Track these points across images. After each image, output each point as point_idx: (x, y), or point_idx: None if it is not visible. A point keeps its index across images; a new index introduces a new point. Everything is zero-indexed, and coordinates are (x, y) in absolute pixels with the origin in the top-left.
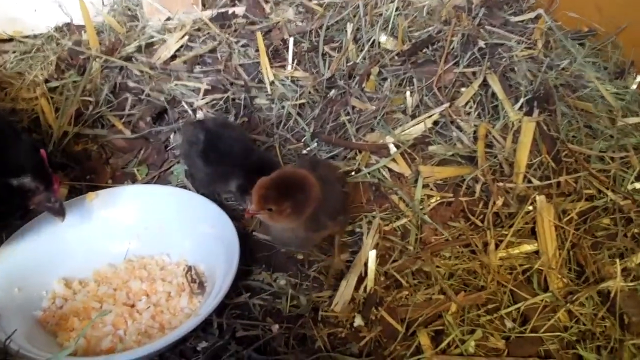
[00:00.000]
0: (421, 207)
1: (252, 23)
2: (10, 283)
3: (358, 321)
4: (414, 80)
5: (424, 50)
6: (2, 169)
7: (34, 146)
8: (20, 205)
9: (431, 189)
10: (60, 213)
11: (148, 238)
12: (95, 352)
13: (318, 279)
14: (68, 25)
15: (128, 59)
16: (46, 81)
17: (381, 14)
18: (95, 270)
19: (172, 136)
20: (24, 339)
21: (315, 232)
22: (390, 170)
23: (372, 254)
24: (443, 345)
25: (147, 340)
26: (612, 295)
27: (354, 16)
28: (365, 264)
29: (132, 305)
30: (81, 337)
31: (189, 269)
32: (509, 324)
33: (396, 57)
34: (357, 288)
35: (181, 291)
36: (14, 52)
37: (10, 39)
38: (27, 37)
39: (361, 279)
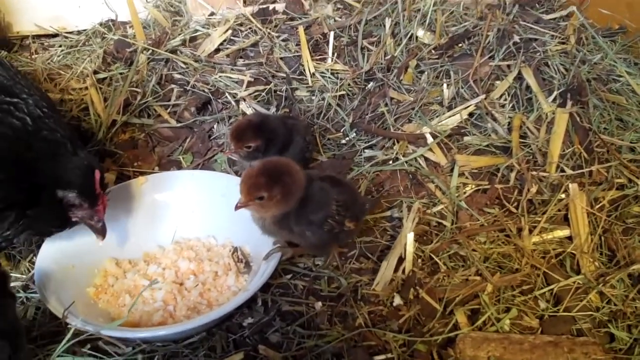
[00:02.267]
0: (457, 194)
1: (292, 19)
2: (66, 260)
3: (397, 300)
4: (451, 73)
5: (460, 44)
6: (52, 179)
7: (89, 165)
8: (61, 216)
9: (466, 178)
10: (101, 233)
11: (195, 221)
12: (147, 325)
13: (357, 261)
14: (113, 21)
15: (173, 51)
16: (95, 72)
17: (419, 10)
18: (144, 251)
19: (215, 126)
20: (79, 311)
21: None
22: (426, 159)
23: (411, 237)
24: (479, 322)
25: (196, 316)
26: None
27: (392, 11)
28: (404, 247)
29: (181, 284)
30: (132, 308)
31: (235, 249)
32: (542, 304)
33: (433, 51)
34: (396, 270)
35: (228, 270)
36: (60, 46)
37: (56, 35)
38: (71, 32)
39: (400, 261)
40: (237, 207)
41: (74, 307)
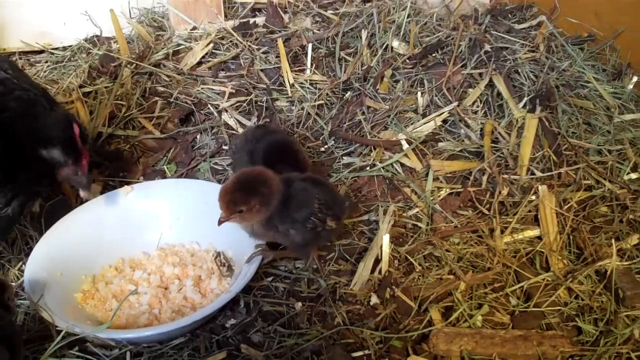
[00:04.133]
0: (432, 197)
1: (272, 32)
2: (53, 267)
3: (374, 299)
4: (425, 81)
5: (433, 54)
6: (33, 140)
7: (67, 119)
8: (48, 175)
9: (441, 182)
10: (86, 187)
11: (179, 228)
12: (133, 328)
13: (336, 264)
14: (97, 36)
15: (157, 65)
16: (80, 87)
17: (394, 21)
18: (130, 257)
19: (198, 136)
20: (67, 316)
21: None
22: (402, 165)
23: (386, 239)
24: (452, 319)
25: (180, 318)
26: (608, 273)
27: (368, 23)
28: (381, 249)
29: (166, 288)
30: (116, 312)
31: (218, 254)
32: (513, 300)
33: (408, 61)
34: (372, 270)
35: (211, 274)
36: (46, 62)
37: (42, 51)
38: (56, 48)
39: (376, 262)
40: (219, 222)
41: (63, 312)
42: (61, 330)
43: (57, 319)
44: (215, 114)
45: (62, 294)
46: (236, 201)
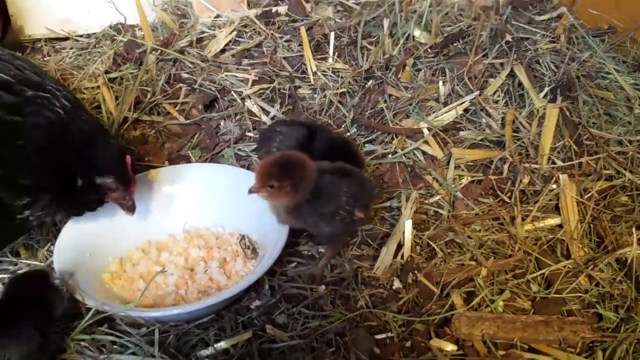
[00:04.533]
0: (453, 185)
1: (294, 21)
2: (82, 248)
3: (397, 284)
4: (446, 70)
5: (455, 44)
6: (90, 168)
7: (122, 152)
8: (98, 199)
9: (462, 170)
10: (131, 210)
11: (204, 212)
12: (160, 308)
13: (359, 248)
14: (121, 24)
15: (181, 52)
16: (106, 72)
17: (415, 11)
18: (156, 240)
19: (222, 123)
20: (96, 296)
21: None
22: (424, 153)
23: (409, 224)
24: (474, 303)
25: (205, 299)
26: (629, 261)
27: (390, 13)
28: (403, 234)
29: (192, 269)
30: (145, 291)
31: (243, 237)
32: (534, 287)
33: (429, 50)
34: (395, 255)
35: (236, 257)
36: (71, 48)
37: (67, 38)
38: (81, 35)
39: (398, 248)
40: (250, 192)
41: (92, 291)
42: (90, 308)
43: (86, 297)
44: (239, 100)
45: (91, 274)
46: (270, 175)
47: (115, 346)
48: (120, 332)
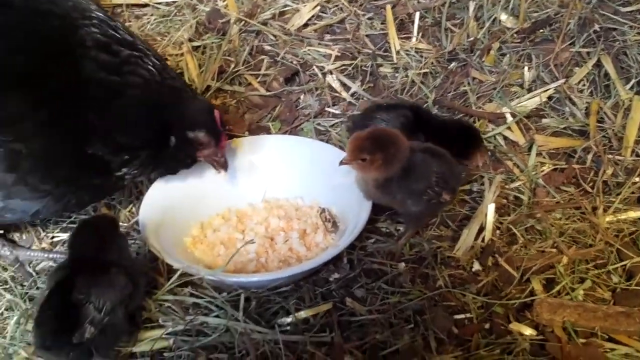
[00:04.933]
0: (534, 172)
1: None
2: (165, 212)
3: (476, 266)
4: (532, 56)
5: (542, 30)
6: (181, 123)
7: (210, 107)
8: (191, 155)
9: (543, 157)
10: (224, 166)
11: (284, 183)
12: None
13: (437, 229)
14: None
15: (264, 24)
16: (189, 40)
17: None
18: (236, 208)
19: (302, 97)
20: (180, 257)
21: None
22: (505, 138)
23: (492, 207)
24: (554, 291)
25: (286, 268)
26: None
27: None
28: (485, 217)
29: (272, 239)
30: (232, 258)
31: (323, 210)
32: (615, 278)
33: (515, 35)
34: (475, 238)
35: (316, 229)
36: (152, 15)
37: (146, 5)
38: (160, 3)
39: (480, 230)
40: (341, 163)
41: (175, 253)
42: (172, 270)
43: (171, 260)
44: (320, 75)
45: (173, 237)
46: (363, 148)
47: (200, 307)
48: (202, 296)
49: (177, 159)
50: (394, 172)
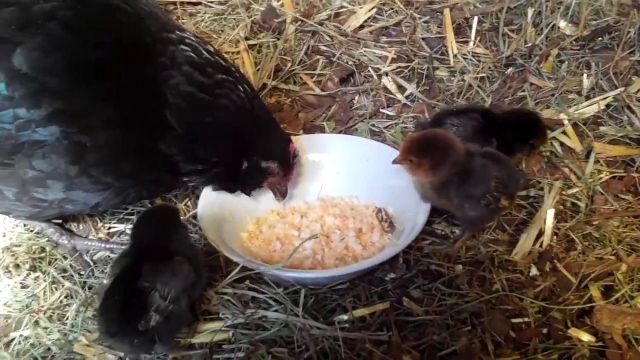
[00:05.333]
0: (592, 179)
1: (432, 2)
2: (223, 206)
3: (534, 271)
4: (591, 64)
5: (601, 38)
6: (259, 152)
7: (287, 139)
8: (258, 181)
9: (600, 165)
10: (283, 196)
11: (339, 181)
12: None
13: (494, 233)
14: None
15: (320, 24)
16: (246, 38)
17: (561, 1)
18: (292, 205)
19: (356, 97)
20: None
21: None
22: (562, 144)
23: (551, 213)
24: (613, 299)
25: (342, 266)
26: None
27: (535, 2)
28: (544, 222)
29: (327, 236)
30: (293, 254)
31: (379, 210)
32: None
33: (574, 42)
34: (533, 243)
35: (372, 228)
36: (205, 13)
37: (199, 3)
38: (212, 1)
39: (537, 236)
40: (394, 162)
41: (235, 247)
42: (231, 263)
43: (231, 254)
44: (375, 77)
45: (230, 232)
46: (410, 150)
47: (258, 301)
48: (261, 291)
49: (244, 182)
50: (444, 176)
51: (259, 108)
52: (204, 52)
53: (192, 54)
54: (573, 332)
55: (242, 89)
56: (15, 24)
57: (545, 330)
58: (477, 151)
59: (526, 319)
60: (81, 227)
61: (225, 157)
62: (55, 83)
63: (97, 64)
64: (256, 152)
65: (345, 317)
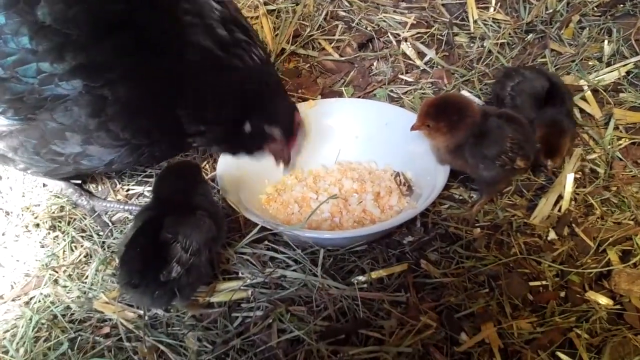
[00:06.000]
0: (610, 145)
1: None
2: (241, 170)
3: (552, 235)
4: (613, 30)
5: (623, 4)
6: (263, 116)
7: (294, 107)
8: (259, 145)
9: (620, 131)
10: (287, 163)
11: (357, 146)
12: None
13: (512, 198)
14: None
15: None
16: (264, 4)
17: None
18: (309, 169)
19: (375, 63)
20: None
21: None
22: (581, 110)
23: (571, 177)
24: (630, 263)
25: (361, 228)
26: None
27: None
28: (564, 187)
29: (345, 200)
30: (312, 215)
31: (397, 174)
32: None
33: (596, 8)
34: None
35: (390, 192)
36: None
37: None
38: None
39: (557, 200)
40: (412, 128)
41: (253, 208)
42: (249, 224)
43: (250, 214)
44: (394, 43)
45: (249, 194)
46: (427, 114)
47: (277, 261)
48: (280, 251)
49: (245, 145)
50: (460, 139)
51: (269, 74)
52: (228, 6)
53: (217, 5)
54: (591, 295)
55: (256, 52)
56: None
57: (562, 294)
58: (493, 112)
59: (544, 282)
60: (100, 188)
61: (229, 118)
62: (78, 35)
63: (119, 15)
64: (261, 116)
65: (363, 278)
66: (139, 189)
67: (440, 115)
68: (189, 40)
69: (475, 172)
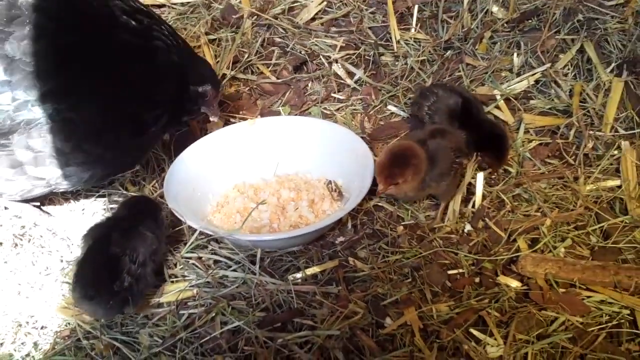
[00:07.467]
0: (521, 147)
1: None
2: (187, 183)
3: (468, 227)
4: (521, 44)
5: (530, 20)
6: (198, 80)
7: (209, 64)
8: (197, 108)
9: (531, 134)
10: (216, 114)
11: (293, 159)
12: None
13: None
14: None
15: (274, 18)
16: (206, 34)
17: None
18: (250, 183)
19: (310, 84)
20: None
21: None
22: (496, 117)
23: (481, 176)
24: (537, 248)
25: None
26: None
27: None
28: (474, 186)
29: (283, 208)
30: (246, 222)
31: (329, 182)
32: (593, 238)
33: (506, 25)
34: (466, 205)
35: (323, 198)
36: (169, 14)
37: (163, 5)
38: (175, 3)
39: (470, 199)
40: (378, 194)
41: (196, 218)
42: (194, 232)
43: (192, 222)
44: (326, 64)
45: (195, 206)
46: (393, 175)
47: (220, 263)
48: (222, 255)
49: (187, 109)
50: (424, 173)
51: (182, 42)
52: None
53: (122, 4)
54: (502, 279)
55: (164, 28)
56: (5, 17)
57: (477, 279)
58: (425, 135)
59: (460, 270)
60: (57, 207)
61: (173, 93)
62: (44, 65)
63: (71, 46)
64: (192, 80)
65: (298, 275)
66: (93, 207)
67: (404, 168)
68: (119, 39)
69: (437, 189)
